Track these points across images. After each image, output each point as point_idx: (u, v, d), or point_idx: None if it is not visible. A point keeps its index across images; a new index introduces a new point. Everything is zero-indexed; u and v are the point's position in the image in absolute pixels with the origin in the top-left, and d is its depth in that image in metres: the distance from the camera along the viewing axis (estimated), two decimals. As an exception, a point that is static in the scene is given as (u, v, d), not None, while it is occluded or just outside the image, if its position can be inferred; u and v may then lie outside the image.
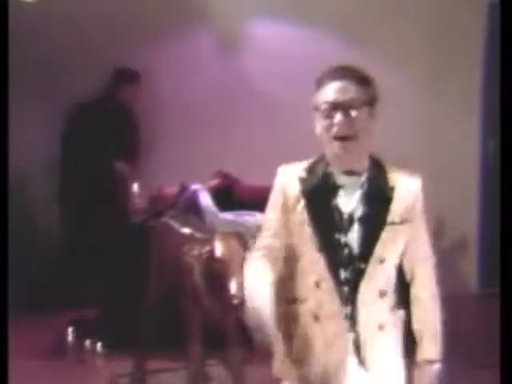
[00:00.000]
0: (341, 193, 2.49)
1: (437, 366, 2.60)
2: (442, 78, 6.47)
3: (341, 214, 2.48)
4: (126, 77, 6.24)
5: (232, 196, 5.71)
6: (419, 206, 2.56)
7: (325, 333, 2.50)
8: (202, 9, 6.52)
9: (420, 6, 6.43)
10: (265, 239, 2.59)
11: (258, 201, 5.63)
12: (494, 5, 5.96)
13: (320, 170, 2.52)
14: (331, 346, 2.50)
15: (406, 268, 2.60)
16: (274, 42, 6.49)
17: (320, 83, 2.50)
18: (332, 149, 2.47)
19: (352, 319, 2.49)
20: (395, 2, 6.48)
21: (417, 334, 2.62)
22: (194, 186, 5.44)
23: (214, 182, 5.66)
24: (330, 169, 2.51)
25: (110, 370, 4.91)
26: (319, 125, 2.48)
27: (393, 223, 2.49)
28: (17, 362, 4.16)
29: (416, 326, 2.62)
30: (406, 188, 2.53)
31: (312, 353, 2.52)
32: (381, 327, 2.52)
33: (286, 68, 6.41)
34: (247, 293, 2.47)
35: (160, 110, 6.59)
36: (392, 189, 2.50)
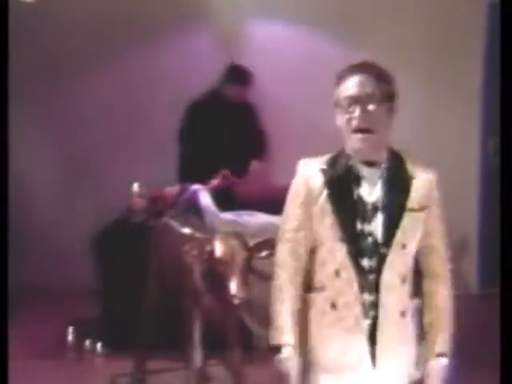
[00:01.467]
0: (363, 183, 2.56)
1: (445, 360, 2.64)
2: (441, 78, 6.46)
3: (364, 203, 2.55)
4: (238, 75, 6.04)
5: (232, 196, 5.70)
6: (435, 197, 2.63)
7: (342, 321, 2.55)
8: (202, 9, 6.52)
9: (420, 6, 6.43)
10: (288, 233, 2.61)
11: (258, 201, 5.67)
12: (494, 5, 5.96)
13: (341, 162, 2.58)
14: (349, 333, 2.54)
15: (421, 256, 2.64)
16: (274, 41, 6.49)
17: (340, 79, 2.57)
18: (352, 142, 2.54)
19: (375, 306, 2.54)
20: (395, 2, 6.48)
21: (428, 326, 2.65)
22: (194, 186, 5.43)
23: (214, 182, 5.66)
24: (351, 161, 2.57)
25: (110, 370, 4.91)
26: (339, 119, 2.55)
27: (412, 210, 2.56)
28: (17, 362, 4.16)
29: (429, 317, 2.65)
30: (424, 178, 2.61)
31: (328, 340, 2.57)
32: (402, 313, 2.58)
33: (287, 68, 6.40)
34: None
35: (160, 108, 6.58)
36: (411, 178, 2.59)
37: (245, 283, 3.61)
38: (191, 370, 4.08)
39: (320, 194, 2.56)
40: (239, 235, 3.82)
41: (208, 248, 3.75)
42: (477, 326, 5.69)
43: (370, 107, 2.51)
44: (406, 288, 2.59)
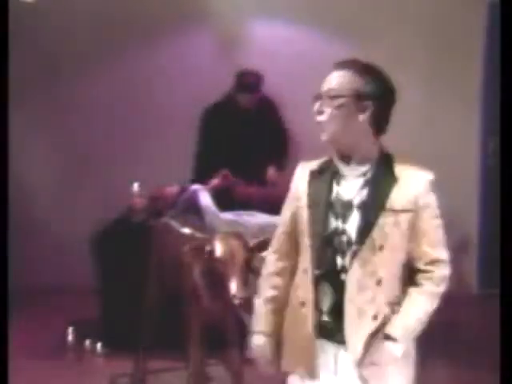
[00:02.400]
0: (343, 182, 2.53)
1: (398, 350, 2.48)
2: (441, 78, 6.46)
3: (341, 201, 2.51)
4: (245, 83, 5.88)
5: (232, 196, 5.70)
6: (428, 201, 2.53)
7: (307, 320, 2.53)
8: (202, 9, 6.52)
9: (420, 6, 6.43)
10: (280, 236, 2.69)
11: (258, 201, 5.67)
12: (494, 5, 5.96)
13: (328, 164, 2.59)
14: (308, 334, 2.53)
15: (417, 263, 2.56)
16: (274, 42, 6.49)
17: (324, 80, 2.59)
18: (321, 134, 2.55)
19: (345, 305, 2.49)
20: (395, 3, 6.48)
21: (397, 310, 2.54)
22: (194, 186, 5.43)
23: (214, 182, 5.65)
24: (335, 159, 2.57)
25: (110, 370, 4.91)
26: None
27: (392, 210, 2.48)
28: (17, 361, 4.16)
29: (404, 301, 2.53)
30: (412, 181, 2.53)
31: (300, 337, 2.56)
32: (374, 317, 2.48)
33: (287, 68, 6.40)
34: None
35: (160, 109, 6.59)
36: (395, 179, 2.51)
37: (245, 283, 3.61)
38: (191, 370, 4.09)
39: (303, 193, 2.59)
40: (239, 235, 3.82)
41: (208, 248, 3.75)
42: (477, 326, 5.70)
43: (335, 100, 2.49)
44: (383, 292, 2.48)
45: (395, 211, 2.48)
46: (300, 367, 2.58)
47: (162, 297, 4.46)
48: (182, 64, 6.57)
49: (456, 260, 7.43)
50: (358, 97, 2.49)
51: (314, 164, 2.63)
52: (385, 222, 2.47)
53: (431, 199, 2.55)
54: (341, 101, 2.49)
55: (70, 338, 5.49)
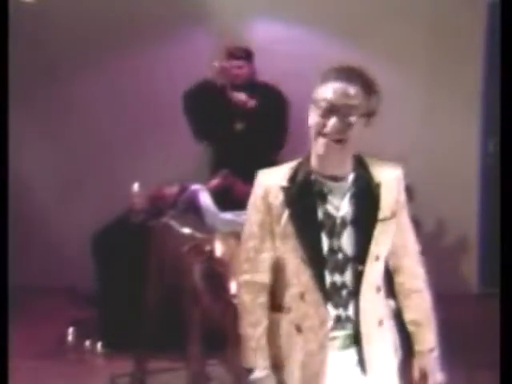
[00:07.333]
0: (330, 198, 2.43)
1: (435, 353, 2.64)
2: (441, 78, 6.46)
3: (333, 219, 2.43)
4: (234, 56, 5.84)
5: (232, 196, 5.70)
6: (402, 195, 2.54)
7: (307, 345, 2.46)
8: (202, 9, 6.52)
9: (420, 5, 6.43)
10: (249, 253, 2.53)
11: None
12: (494, 5, 5.96)
13: (303, 178, 2.45)
14: (312, 358, 2.46)
15: (391, 257, 2.57)
16: (274, 42, 6.49)
17: (324, 78, 2.42)
18: (317, 146, 2.40)
19: (350, 322, 2.47)
20: (395, 2, 6.48)
21: (411, 325, 2.62)
22: (194, 186, 5.43)
23: (214, 182, 5.65)
24: (314, 175, 2.44)
25: (110, 370, 4.91)
26: (312, 118, 2.42)
27: (384, 219, 2.47)
28: (17, 361, 4.16)
29: (411, 316, 2.61)
30: (390, 181, 2.50)
31: (292, 363, 2.49)
32: (380, 323, 2.52)
33: (287, 68, 6.40)
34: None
35: (160, 109, 6.59)
36: (378, 185, 2.47)
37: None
38: (191, 370, 4.09)
39: (281, 214, 2.43)
40: (239, 235, 3.82)
41: (208, 248, 3.75)
42: (477, 325, 5.70)
43: (348, 119, 2.36)
44: (381, 296, 2.53)
45: (385, 220, 2.47)
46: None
47: (161, 297, 4.46)
48: (183, 64, 6.57)
49: (456, 260, 7.43)
50: (371, 115, 2.42)
51: (281, 177, 2.47)
52: (379, 232, 2.46)
53: (404, 194, 2.56)
54: (362, 119, 2.39)
55: (70, 338, 5.49)
